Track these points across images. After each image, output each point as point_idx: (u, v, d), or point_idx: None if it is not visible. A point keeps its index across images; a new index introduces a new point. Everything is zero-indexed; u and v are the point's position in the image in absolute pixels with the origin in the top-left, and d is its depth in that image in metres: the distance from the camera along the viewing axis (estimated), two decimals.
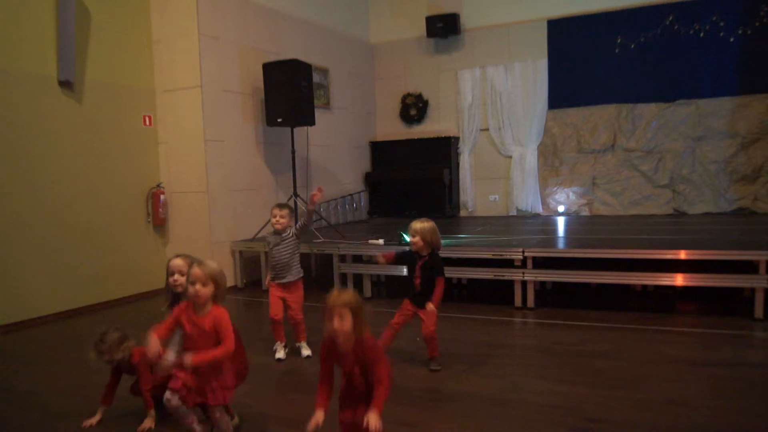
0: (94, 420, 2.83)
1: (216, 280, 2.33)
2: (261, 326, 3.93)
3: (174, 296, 2.75)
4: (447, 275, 5.65)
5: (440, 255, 3.64)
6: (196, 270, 2.34)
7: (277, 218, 3.82)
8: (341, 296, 2.10)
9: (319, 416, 2.12)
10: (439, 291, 3.47)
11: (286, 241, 3.83)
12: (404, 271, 3.77)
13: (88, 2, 5.46)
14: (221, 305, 2.40)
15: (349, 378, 2.19)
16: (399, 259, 3.65)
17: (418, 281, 3.50)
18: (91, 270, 5.41)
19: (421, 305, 3.48)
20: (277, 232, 3.87)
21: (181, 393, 2.32)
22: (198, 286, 2.32)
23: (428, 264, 3.49)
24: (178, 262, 2.68)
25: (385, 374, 2.12)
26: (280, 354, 3.79)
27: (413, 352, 3.76)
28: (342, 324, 2.08)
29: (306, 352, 3.84)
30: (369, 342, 2.14)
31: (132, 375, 2.85)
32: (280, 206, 3.90)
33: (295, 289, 3.84)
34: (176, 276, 2.64)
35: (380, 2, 9.17)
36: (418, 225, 3.51)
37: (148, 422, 2.76)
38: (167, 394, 2.33)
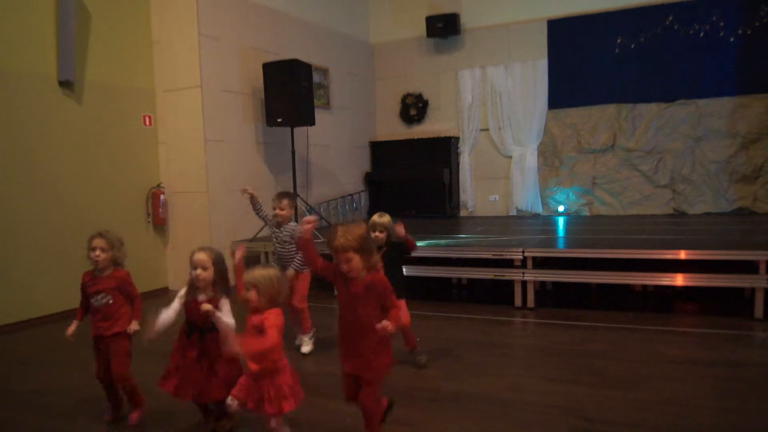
0: (71, 329, 2.80)
1: (257, 286, 2.33)
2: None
3: (195, 290, 2.67)
4: (447, 275, 5.71)
5: (409, 265, 3.60)
6: (200, 255, 2.51)
7: (276, 210, 3.74)
8: (344, 239, 2.17)
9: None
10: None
11: (287, 229, 3.78)
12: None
13: (88, 2, 5.46)
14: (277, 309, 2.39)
15: (345, 315, 2.29)
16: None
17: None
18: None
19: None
20: (278, 224, 3.80)
21: (239, 397, 2.32)
22: (199, 271, 2.50)
23: (390, 251, 3.43)
24: (201, 257, 2.60)
25: (396, 304, 2.25)
26: (306, 348, 3.80)
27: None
28: (351, 265, 2.18)
29: (306, 348, 3.78)
30: (380, 276, 2.26)
31: (98, 293, 2.77)
32: (280, 196, 3.78)
33: (300, 279, 3.80)
34: (199, 270, 2.56)
35: (380, 2, 9.17)
36: (384, 219, 3.47)
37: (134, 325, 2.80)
38: (228, 400, 2.32)
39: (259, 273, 2.33)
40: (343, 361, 2.38)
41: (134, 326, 2.81)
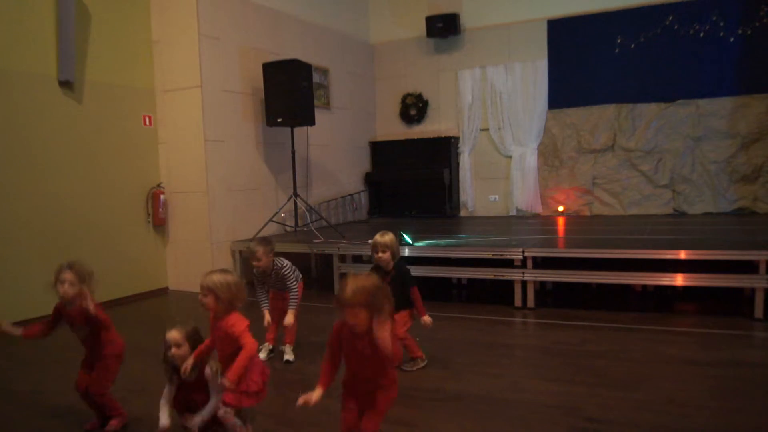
0: (13, 329, 2.73)
1: (215, 291, 2.32)
2: (261, 326, 3.93)
3: (173, 368, 2.51)
4: (447, 275, 5.71)
5: (409, 266, 3.52)
6: (172, 333, 2.41)
7: (254, 263, 3.59)
8: (352, 294, 2.03)
9: (315, 394, 2.09)
10: (419, 302, 3.40)
11: (272, 276, 3.67)
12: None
13: (88, 2, 5.46)
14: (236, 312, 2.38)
15: (353, 371, 2.18)
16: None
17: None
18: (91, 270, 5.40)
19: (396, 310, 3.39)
20: (265, 274, 3.68)
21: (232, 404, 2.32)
22: (173, 350, 2.39)
23: (397, 278, 3.38)
24: (173, 335, 2.47)
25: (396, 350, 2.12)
26: (262, 354, 3.72)
27: None
28: (357, 320, 2.05)
29: (288, 357, 3.73)
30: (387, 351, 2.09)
31: (74, 325, 2.71)
32: (259, 242, 3.61)
33: (291, 293, 3.74)
34: (173, 350, 2.44)
35: (380, 2, 9.17)
36: (386, 238, 3.36)
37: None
38: (220, 412, 2.32)
39: (216, 278, 2.32)
40: (347, 401, 2.25)
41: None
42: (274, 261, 3.67)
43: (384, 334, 2.01)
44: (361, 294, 2.02)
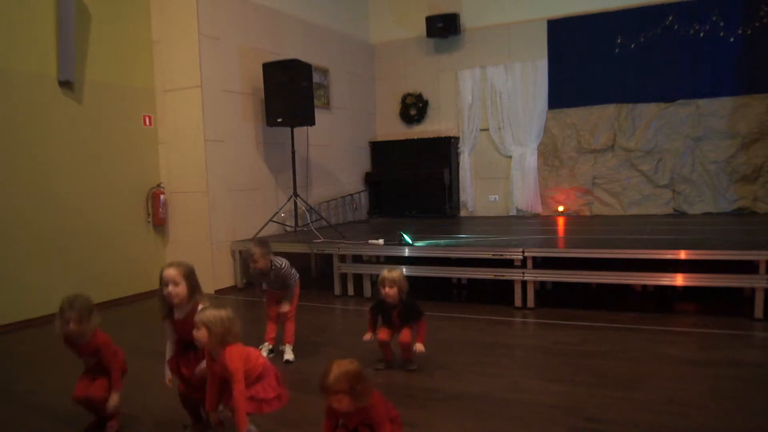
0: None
1: (207, 326, 2.30)
2: (261, 326, 3.93)
3: (169, 308, 2.62)
4: (447, 275, 5.71)
5: (409, 265, 3.52)
6: (169, 270, 2.46)
7: (251, 265, 3.61)
8: (334, 381, 2.02)
9: None
10: (423, 330, 3.41)
11: (271, 276, 3.69)
12: (403, 270, 3.72)
13: (88, 2, 5.46)
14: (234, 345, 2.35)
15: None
16: (377, 314, 3.52)
17: (397, 325, 3.46)
18: (91, 270, 5.41)
19: (399, 329, 3.46)
20: (263, 274, 3.69)
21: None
22: (170, 287, 2.45)
23: (404, 312, 3.41)
24: (170, 272, 2.54)
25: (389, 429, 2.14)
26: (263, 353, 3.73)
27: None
28: (341, 405, 2.05)
29: (288, 356, 3.73)
30: (374, 407, 2.11)
31: (82, 355, 2.71)
32: (256, 244, 3.63)
33: (292, 291, 3.77)
34: (170, 287, 2.51)
35: (380, 2, 9.17)
36: (394, 274, 3.35)
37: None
38: (220, 408, 2.37)
39: (210, 314, 2.32)
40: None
41: (114, 400, 2.67)
42: (272, 261, 3.66)
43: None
44: (344, 380, 2.02)
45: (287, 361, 3.71)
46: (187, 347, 2.59)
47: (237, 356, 2.32)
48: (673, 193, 7.62)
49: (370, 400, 2.09)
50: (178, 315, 2.57)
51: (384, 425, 2.13)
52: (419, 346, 3.36)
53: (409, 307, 3.42)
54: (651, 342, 3.91)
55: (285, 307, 3.73)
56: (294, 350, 3.80)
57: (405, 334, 3.42)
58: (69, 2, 5.11)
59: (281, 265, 3.68)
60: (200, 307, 2.48)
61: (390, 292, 3.34)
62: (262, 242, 3.74)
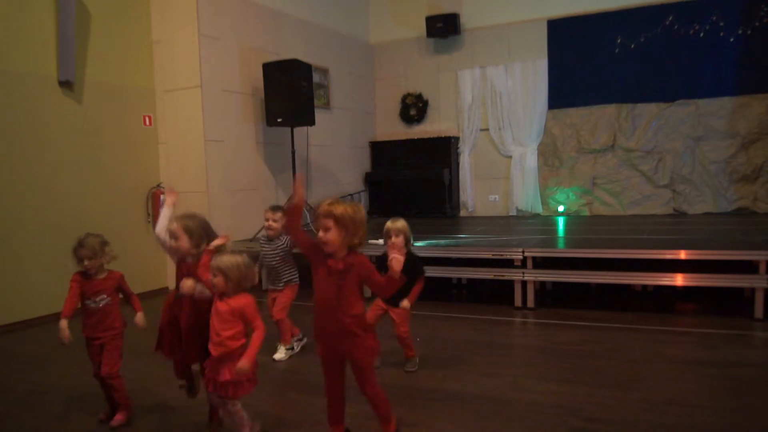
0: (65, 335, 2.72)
1: (224, 272, 2.34)
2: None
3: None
4: (447, 275, 5.71)
5: (423, 254, 3.45)
6: (172, 224, 2.56)
7: (270, 222, 3.68)
8: (329, 206, 2.15)
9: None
10: (417, 289, 3.34)
11: (277, 247, 3.73)
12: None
13: (88, 2, 5.46)
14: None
15: (323, 301, 2.22)
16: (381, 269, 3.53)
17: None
18: None
19: (394, 303, 3.33)
20: (269, 239, 3.76)
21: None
22: (172, 241, 2.56)
23: (410, 263, 3.29)
24: (172, 226, 2.63)
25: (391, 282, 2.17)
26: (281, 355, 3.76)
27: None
28: (327, 236, 2.13)
29: (278, 355, 3.74)
30: (362, 257, 2.20)
31: (96, 295, 2.77)
32: (273, 209, 3.73)
33: (284, 291, 3.77)
34: (171, 241, 2.61)
35: (380, 2, 9.17)
36: (398, 224, 3.31)
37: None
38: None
39: (227, 258, 2.36)
40: (323, 349, 2.31)
41: (141, 320, 2.83)
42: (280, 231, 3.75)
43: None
44: (338, 208, 2.14)
45: (273, 360, 3.71)
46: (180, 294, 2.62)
47: (253, 302, 2.38)
48: (673, 193, 7.62)
49: (359, 257, 2.18)
50: (190, 260, 2.64)
51: (375, 276, 2.21)
52: (406, 303, 3.30)
53: (415, 259, 3.35)
54: (651, 342, 3.91)
55: (279, 313, 3.74)
56: (290, 350, 3.83)
57: (400, 326, 3.37)
58: (69, 2, 5.11)
59: (284, 243, 3.74)
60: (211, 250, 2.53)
61: (397, 241, 3.26)
62: (280, 207, 3.81)
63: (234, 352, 2.33)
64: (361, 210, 2.24)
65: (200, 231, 2.62)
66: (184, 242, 2.57)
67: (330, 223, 2.14)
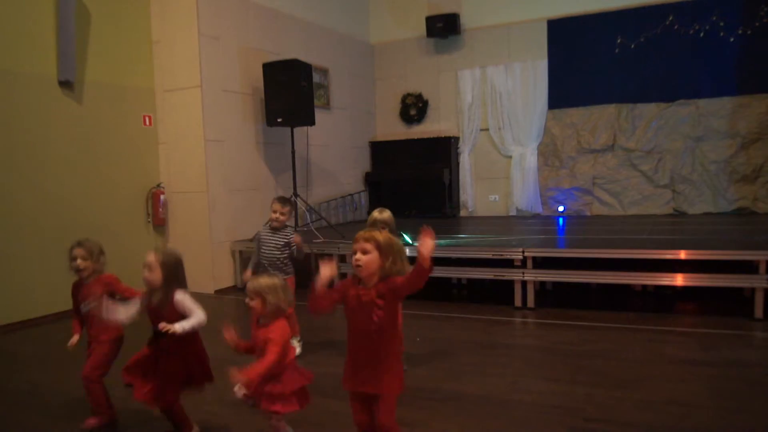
0: (73, 341, 2.79)
1: (262, 295, 2.30)
2: None
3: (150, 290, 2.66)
4: (447, 275, 5.71)
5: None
6: (149, 256, 2.50)
7: (278, 214, 3.74)
8: (372, 233, 2.09)
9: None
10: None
11: (281, 238, 3.78)
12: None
13: (88, 2, 5.46)
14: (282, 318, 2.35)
15: (356, 339, 2.13)
16: None
17: None
18: None
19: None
20: (273, 229, 3.81)
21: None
22: (145, 272, 2.48)
23: None
24: (148, 258, 2.54)
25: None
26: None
27: (411, 352, 3.75)
28: (364, 259, 2.04)
29: (297, 350, 3.72)
30: (389, 282, 2.06)
31: (87, 299, 2.76)
32: (282, 201, 3.78)
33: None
34: (145, 272, 2.53)
35: (380, 2, 9.17)
36: (385, 215, 3.28)
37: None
38: (236, 388, 2.31)
39: (264, 282, 2.32)
40: (350, 382, 2.18)
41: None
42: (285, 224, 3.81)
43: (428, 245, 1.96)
44: (382, 236, 2.08)
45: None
46: (157, 336, 2.53)
47: (283, 331, 2.31)
48: (673, 193, 7.62)
49: (388, 282, 2.06)
50: (153, 300, 2.52)
51: (399, 280, 2.06)
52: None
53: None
54: (651, 342, 3.91)
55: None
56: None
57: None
58: (69, 2, 5.11)
59: (291, 233, 3.81)
60: (177, 297, 2.47)
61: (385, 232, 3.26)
62: (291, 203, 3.89)
63: (281, 371, 2.31)
64: (400, 243, 2.17)
65: (174, 270, 2.54)
66: (155, 276, 2.49)
67: (370, 246, 2.05)
